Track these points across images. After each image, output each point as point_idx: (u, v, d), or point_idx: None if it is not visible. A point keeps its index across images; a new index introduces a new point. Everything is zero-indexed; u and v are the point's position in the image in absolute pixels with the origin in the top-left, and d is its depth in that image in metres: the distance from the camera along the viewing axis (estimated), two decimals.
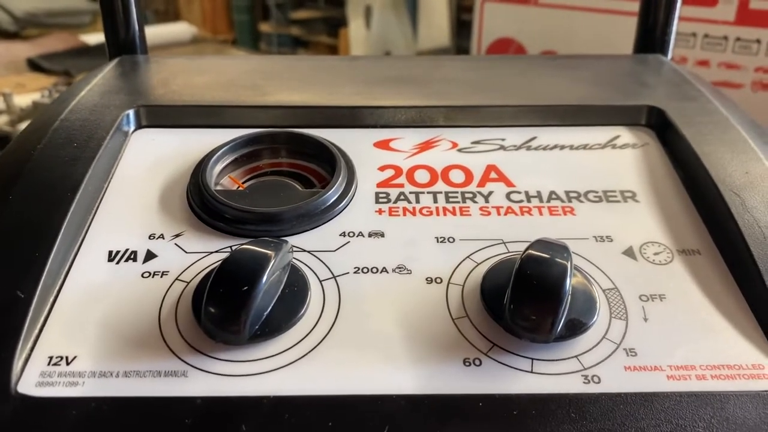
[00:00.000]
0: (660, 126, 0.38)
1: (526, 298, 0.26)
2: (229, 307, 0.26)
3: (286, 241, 0.28)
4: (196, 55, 0.47)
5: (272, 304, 0.27)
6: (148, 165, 0.36)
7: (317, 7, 2.64)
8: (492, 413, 0.25)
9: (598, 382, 0.26)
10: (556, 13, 0.88)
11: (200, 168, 0.34)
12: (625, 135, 0.38)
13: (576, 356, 0.27)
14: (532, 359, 0.26)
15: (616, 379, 0.26)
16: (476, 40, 0.93)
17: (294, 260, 0.30)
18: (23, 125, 1.29)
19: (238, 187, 0.35)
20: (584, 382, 0.26)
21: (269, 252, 0.27)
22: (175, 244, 0.31)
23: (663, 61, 0.47)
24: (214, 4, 2.96)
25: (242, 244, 0.27)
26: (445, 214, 0.33)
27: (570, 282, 0.26)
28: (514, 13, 0.91)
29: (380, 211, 0.33)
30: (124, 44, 0.48)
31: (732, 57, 0.77)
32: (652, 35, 0.49)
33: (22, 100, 1.36)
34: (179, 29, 1.83)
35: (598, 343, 0.27)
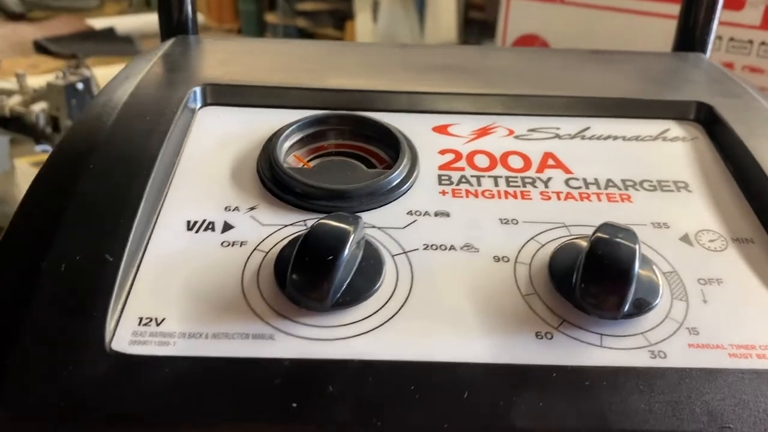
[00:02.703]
0: (708, 121, 0.39)
1: (597, 277, 0.27)
2: (314, 276, 0.27)
3: (361, 217, 0.30)
4: (247, 38, 0.48)
5: (351, 275, 0.28)
6: (216, 141, 0.37)
7: None
8: (565, 383, 0.26)
9: (664, 357, 0.27)
10: (581, 12, 0.89)
11: (271, 145, 0.35)
12: (674, 129, 0.39)
13: (642, 333, 0.28)
14: (601, 335, 0.28)
15: (680, 355, 0.27)
16: (501, 35, 0.94)
17: (367, 236, 0.31)
18: (36, 106, 1.30)
19: (303, 165, 0.36)
20: (651, 357, 0.27)
21: (349, 226, 0.28)
22: (251, 216, 0.32)
23: (703, 59, 0.49)
24: None
25: (323, 218, 0.28)
26: (506, 198, 0.34)
27: (638, 263, 0.27)
28: (540, 10, 0.92)
29: (443, 193, 0.34)
30: (177, 25, 0.49)
31: (756, 60, 0.78)
32: (692, 34, 0.50)
33: (35, 82, 1.37)
34: None
35: (662, 321, 0.28)
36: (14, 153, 1.43)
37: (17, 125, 1.33)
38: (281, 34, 2.74)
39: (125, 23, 2.55)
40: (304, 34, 2.70)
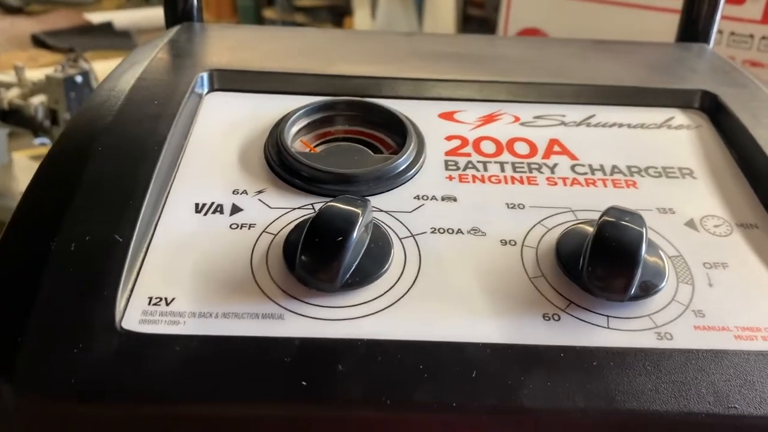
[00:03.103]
0: (713, 109, 0.40)
1: (605, 260, 0.28)
2: (324, 257, 0.27)
3: (369, 200, 0.30)
4: (253, 26, 0.49)
5: (360, 256, 0.29)
6: (223, 126, 0.37)
7: None
8: (573, 363, 0.26)
9: (671, 339, 0.27)
10: (583, 6, 0.89)
11: (278, 130, 0.35)
12: (679, 117, 0.40)
13: (648, 315, 0.28)
14: (608, 316, 0.28)
15: (687, 336, 0.27)
16: (502, 28, 0.95)
17: (375, 219, 0.31)
18: (35, 99, 1.30)
19: (310, 150, 0.36)
20: (657, 339, 0.27)
21: (358, 208, 0.28)
22: (259, 199, 0.32)
23: (707, 49, 0.49)
24: None
25: (332, 201, 0.29)
26: (513, 183, 0.34)
27: (645, 246, 0.27)
28: (541, 3, 0.92)
29: (450, 177, 0.35)
30: (182, 12, 0.49)
31: (757, 55, 0.78)
32: (695, 25, 0.50)
33: (33, 75, 1.37)
34: None
35: (668, 304, 0.29)
36: (13, 146, 1.42)
37: (16, 118, 1.33)
38: None
39: (123, 18, 2.55)
40: None
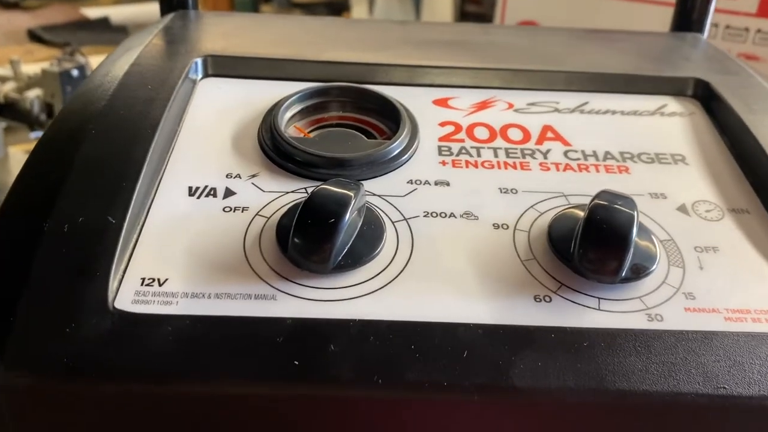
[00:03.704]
0: (706, 97, 0.40)
1: (596, 242, 0.28)
2: (316, 239, 0.27)
3: (362, 184, 0.30)
4: (248, 13, 0.49)
5: (353, 239, 0.29)
6: (217, 111, 0.37)
7: None
8: (564, 344, 0.26)
9: (661, 320, 0.27)
10: None
11: (272, 114, 0.35)
12: (672, 104, 0.40)
13: (639, 297, 0.28)
14: (599, 298, 0.28)
15: (677, 318, 0.28)
16: (499, 21, 0.95)
17: (368, 203, 0.31)
18: (31, 92, 1.30)
19: (304, 135, 0.36)
20: (648, 320, 0.27)
21: (350, 191, 0.28)
22: (252, 183, 0.32)
23: (701, 39, 0.49)
24: None
25: (324, 184, 0.29)
26: (506, 168, 0.34)
27: (636, 229, 0.28)
28: None
29: (443, 163, 0.35)
30: (177, 0, 0.49)
31: (753, 48, 0.79)
32: (689, 15, 0.51)
33: (29, 69, 1.36)
34: None
35: (659, 286, 0.29)
36: (8, 140, 1.42)
37: (12, 112, 1.33)
38: None
39: (120, 13, 2.54)
40: None
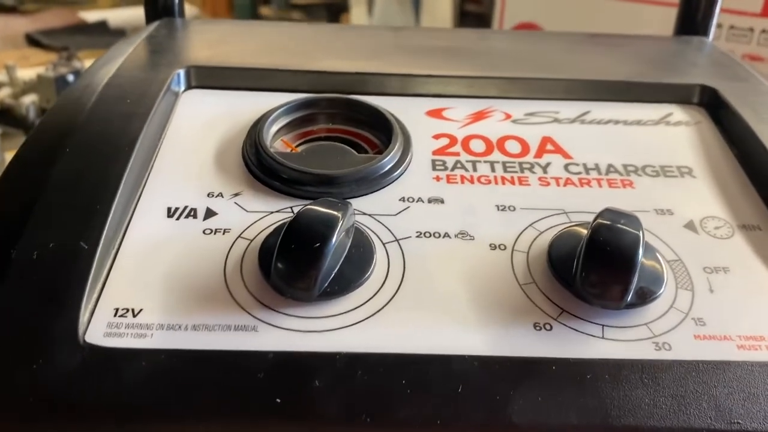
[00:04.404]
0: (713, 105, 0.38)
1: (599, 265, 0.26)
2: (300, 264, 0.25)
3: (350, 203, 0.28)
4: (235, 20, 0.47)
5: (340, 263, 0.27)
6: (200, 125, 0.35)
7: None
8: (566, 377, 0.24)
9: (669, 350, 0.26)
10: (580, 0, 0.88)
11: (257, 129, 0.33)
12: (677, 113, 0.38)
13: (646, 324, 0.27)
14: (603, 325, 0.26)
15: (686, 347, 0.26)
16: (498, 23, 0.93)
17: (357, 223, 0.30)
18: (26, 98, 1.28)
19: (291, 150, 0.35)
20: (656, 349, 0.26)
21: (338, 211, 0.26)
22: (235, 202, 0.31)
23: (706, 42, 0.47)
24: None
25: (310, 204, 0.27)
26: (503, 183, 0.33)
27: (642, 250, 0.26)
28: None
29: (438, 178, 0.33)
30: (162, 8, 0.47)
31: (757, 49, 0.77)
32: (694, 18, 0.49)
33: (25, 74, 1.35)
34: None
35: (667, 312, 0.27)
36: (4, 146, 1.41)
37: (7, 118, 1.31)
38: None
39: (118, 16, 2.52)
40: None
